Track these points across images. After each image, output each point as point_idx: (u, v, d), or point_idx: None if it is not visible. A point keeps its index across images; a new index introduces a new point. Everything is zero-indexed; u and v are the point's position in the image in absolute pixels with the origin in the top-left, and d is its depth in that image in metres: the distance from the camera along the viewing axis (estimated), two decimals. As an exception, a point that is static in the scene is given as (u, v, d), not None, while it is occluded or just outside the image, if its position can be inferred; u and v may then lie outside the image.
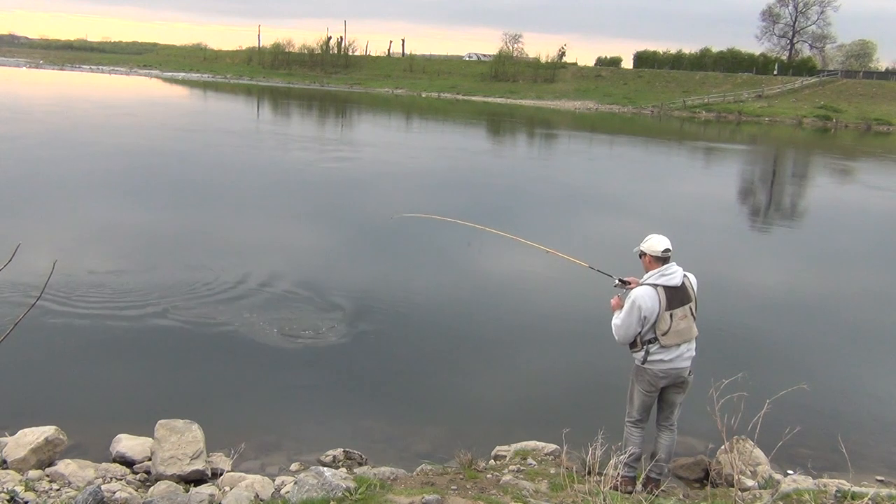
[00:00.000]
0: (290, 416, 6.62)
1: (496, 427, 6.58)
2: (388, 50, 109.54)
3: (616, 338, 4.95)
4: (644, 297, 4.76)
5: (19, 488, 4.73)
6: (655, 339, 4.79)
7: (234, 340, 8.05)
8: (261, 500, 4.81)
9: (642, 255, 4.96)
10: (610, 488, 4.53)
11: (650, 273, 4.88)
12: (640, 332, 4.83)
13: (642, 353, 4.87)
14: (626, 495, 4.86)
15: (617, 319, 4.89)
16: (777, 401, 4.33)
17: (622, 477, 4.97)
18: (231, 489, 4.93)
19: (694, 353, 4.95)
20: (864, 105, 62.68)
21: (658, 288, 4.77)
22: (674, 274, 4.81)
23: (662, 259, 4.85)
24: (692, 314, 4.85)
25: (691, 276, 4.94)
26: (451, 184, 20.90)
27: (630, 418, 5.10)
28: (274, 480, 5.23)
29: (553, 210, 17.27)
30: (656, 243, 4.86)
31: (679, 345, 4.82)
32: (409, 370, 7.83)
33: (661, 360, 4.84)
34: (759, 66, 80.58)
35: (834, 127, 57.56)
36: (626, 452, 4.98)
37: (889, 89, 66.76)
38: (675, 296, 4.78)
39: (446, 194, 18.84)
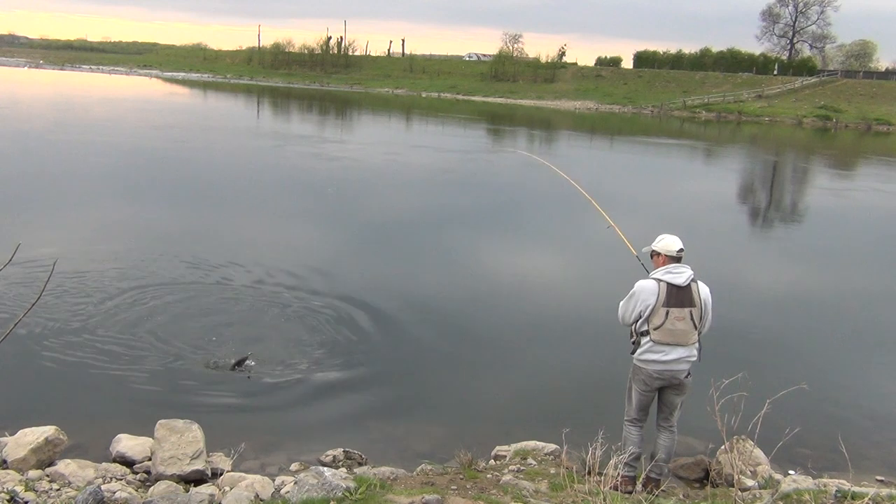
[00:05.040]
0: (290, 416, 6.61)
1: (496, 427, 6.58)
2: (388, 50, 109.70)
3: (618, 316, 5.07)
4: (644, 288, 4.85)
5: (19, 488, 4.73)
6: (647, 332, 4.83)
7: (233, 340, 8.05)
8: (261, 500, 4.81)
9: (654, 254, 5.02)
10: (610, 488, 4.53)
11: (658, 269, 4.95)
12: (636, 322, 4.89)
13: (635, 346, 4.95)
14: (626, 495, 4.86)
15: (622, 300, 5.02)
16: (777, 401, 4.33)
17: (622, 476, 4.98)
18: (231, 489, 4.92)
19: (694, 359, 4.93)
20: (864, 105, 62.69)
21: (661, 283, 4.81)
22: (680, 273, 4.84)
23: (675, 259, 4.92)
24: (692, 319, 4.81)
25: (704, 287, 4.94)
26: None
27: (628, 417, 5.13)
28: (274, 480, 5.23)
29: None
30: (671, 243, 4.94)
31: (672, 346, 4.80)
32: (410, 370, 7.83)
33: (655, 361, 4.85)
34: (759, 66, 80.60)
35: (834, 127, 57.58)
36: (625, 452, 4.99)
37: (889, 89, 66.76)
38: (677, 295, 4.78)
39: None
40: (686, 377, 4.93)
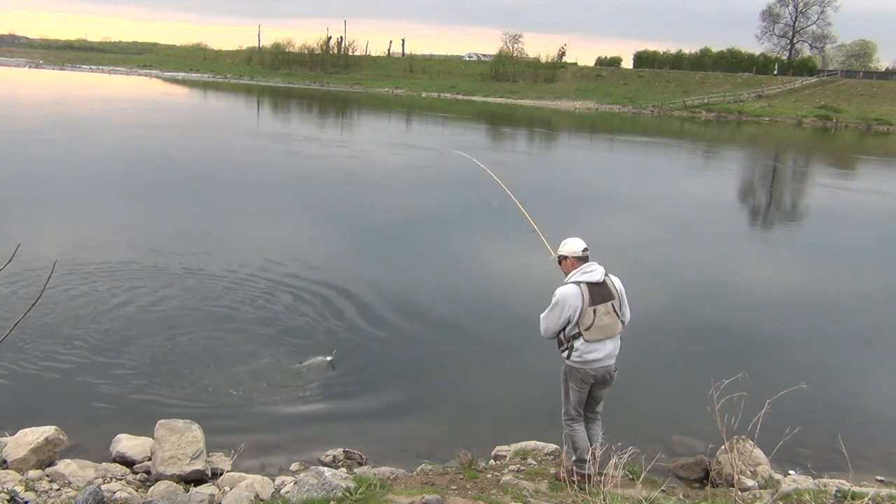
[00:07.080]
0: (290, 416, 6.61)
1: (496, 427, 6.59)
2: (388, 50, 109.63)
3: (541, 331, 5.10)
4: (568, 294, 4.93)
5: (19, 488, 4.74)
6: (579, 334, 4.92)
7: (234, 339, 8.05)
8: (261, 500, 4.81)
9: (562, 259, 5.16)
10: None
11: (572, 272, 5.06)
12: (564, 329, 4.98)
13: (568, 350, 5.00)
14: (625, 494, 4.86)
15: (543, 313, 5.06)
16: (777, 401, 4.33)
17: (577, 474, 5.04)
18: (231, 489, 4.93)
19: (618, 351, 5.08)
20: (864, 105, 62.67)
21: (581, 285, 4.94)
22: (595, 271, 5.00)
23: (583, 258, 5.07)
24: (615, 311, 4.98)
25: (616, 279, 5.12)
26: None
27: (568, 416, 5.21)
28: (274, 480, 5.23)
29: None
30: (575, 244, 5.12)
31: (603, 340, 4.94)
32: (409, 370, 7.83)
33: (593, 360, 4.95)
34: (759, 66, 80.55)
35: (834, 127, 57.57)
36: (577, 450, 5.07)
37: (889, 89, 66.73)
38: (598, 292, 4.94)
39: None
40: (614, 371, 5.10)
